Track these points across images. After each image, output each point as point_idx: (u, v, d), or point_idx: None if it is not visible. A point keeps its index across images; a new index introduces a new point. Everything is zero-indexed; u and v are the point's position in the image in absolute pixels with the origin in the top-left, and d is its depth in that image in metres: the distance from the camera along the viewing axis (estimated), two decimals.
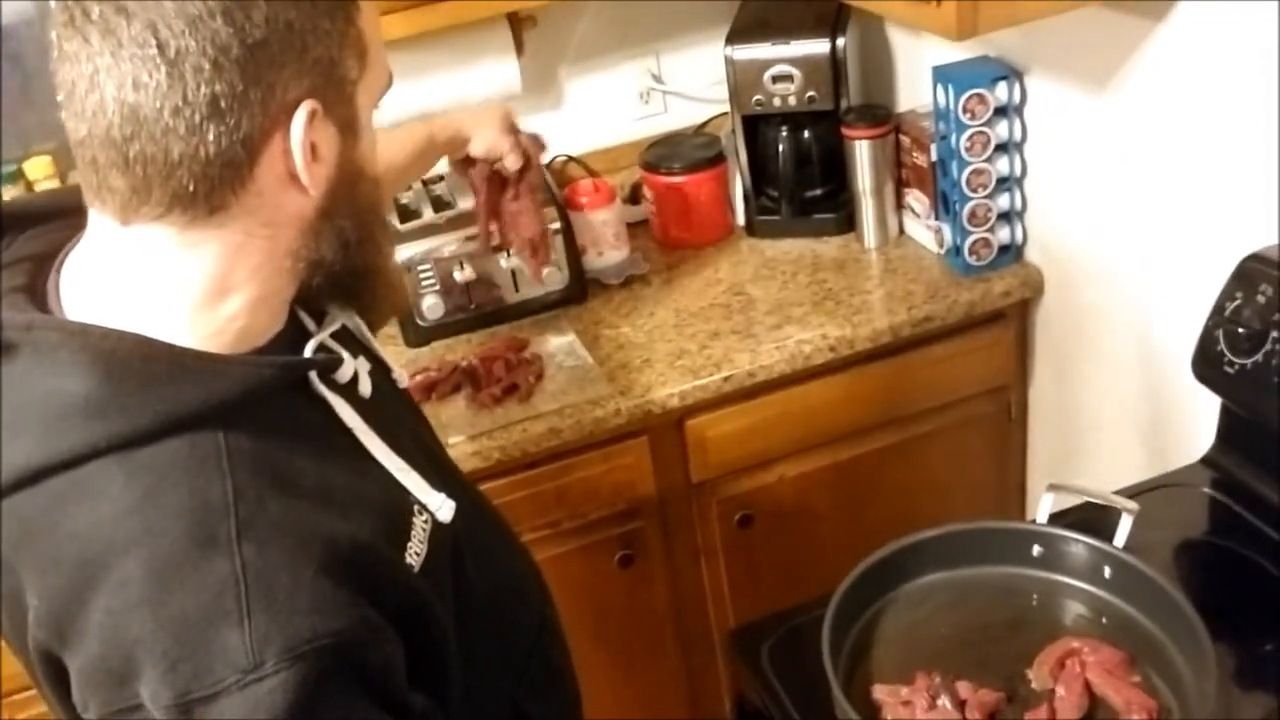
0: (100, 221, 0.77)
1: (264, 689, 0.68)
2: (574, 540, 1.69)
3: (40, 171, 1.85)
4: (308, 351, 0.83)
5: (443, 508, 0.86)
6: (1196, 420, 1.39)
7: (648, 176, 1.96)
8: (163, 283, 0.76)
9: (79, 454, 0.72)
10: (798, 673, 1.14)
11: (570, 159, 2.05)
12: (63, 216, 0.84)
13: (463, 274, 1.77)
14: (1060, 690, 1.03)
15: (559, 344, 1.75)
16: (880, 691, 1.06)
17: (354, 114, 0.79)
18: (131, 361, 0.73)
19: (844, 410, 1.74)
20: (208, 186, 0.73)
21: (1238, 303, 1.17)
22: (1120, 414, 1.67)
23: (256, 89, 0.72)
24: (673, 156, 1.95)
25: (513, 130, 1.47)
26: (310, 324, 0.88)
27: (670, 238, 1.98)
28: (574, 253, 1.84)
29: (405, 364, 1.73)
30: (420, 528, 0.84)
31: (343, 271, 0.83)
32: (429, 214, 1.81)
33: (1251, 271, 1.17)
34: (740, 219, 1.99)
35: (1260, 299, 1.14)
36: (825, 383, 1.71)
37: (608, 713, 1.67)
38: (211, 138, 0.71)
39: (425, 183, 1.86)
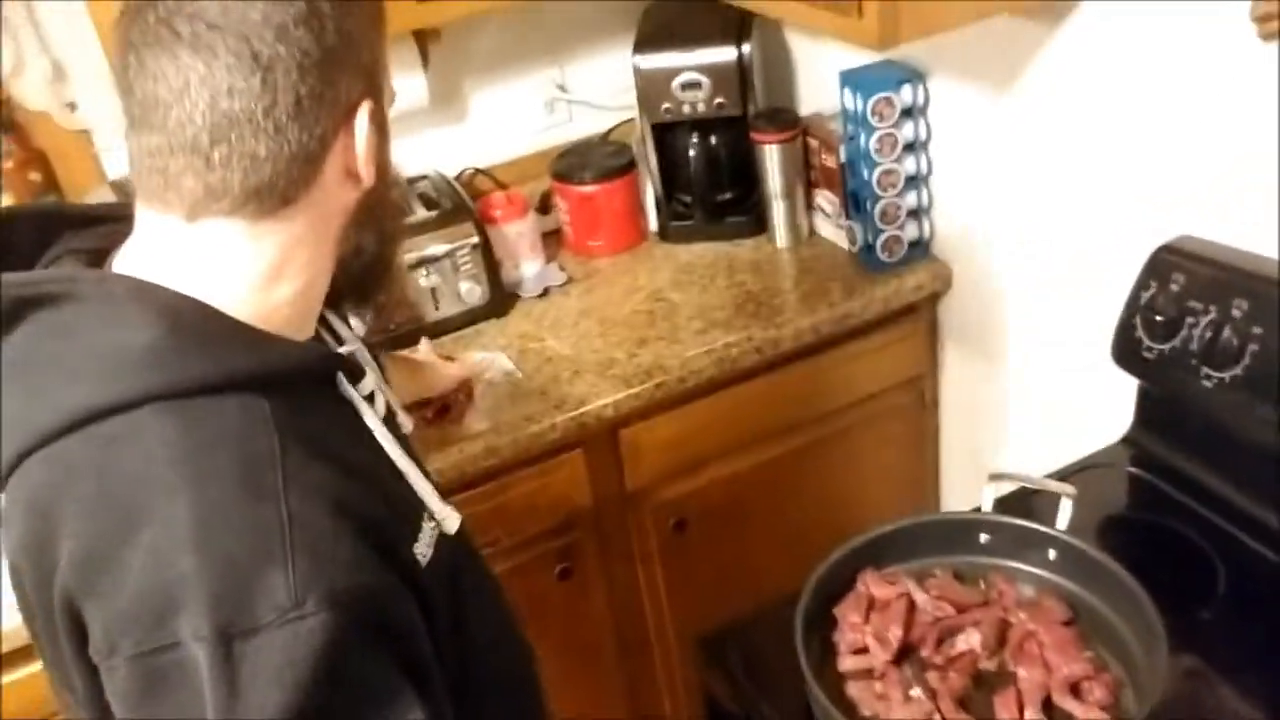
0: (158, 220, 0.82)
1: (304, 628, 0.71)
2: (513, 557, 1.68)
3: None
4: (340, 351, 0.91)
5: (449, 519, 0.91)
6: (1104, 402, 1.48)
7: (559, 186, 1.97)
8: (224, 270, 0.81)
9: (136, 398, 0.75)
10: (769, 673, 1.17)
11: (478, 171, 2.04)
12: (102, 223, 0.89)
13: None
14: (1022, 671, 1.08)
15: (484, 359, 1.74)
16: (854, 689, 1.09)
17: (386, 117, 0.86)
18: (193, 322, 0.79)
19: (769, 410, 1.78)
20: (286, 181, 0.80)
21: (1152, 291, 1.24)
22: (1028, 398, 1.75)
23: (330, 90, 0.79)
24: (584, 166, 1.96)
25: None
26: (333, 343, 0.96)
27: (585, 247, 1.99)
28: (492, 267, 1.83)
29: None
30: (429, 531, 0.88)
31: (376, 259, 0.91)
32: None
33: (1164, 262, 1.24)
34: (653, 225, 2.01)
35: (1174, 287, 1.22)
36: (751, 384, 1.74)
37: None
38: (293, 136, 0.78)
39: None
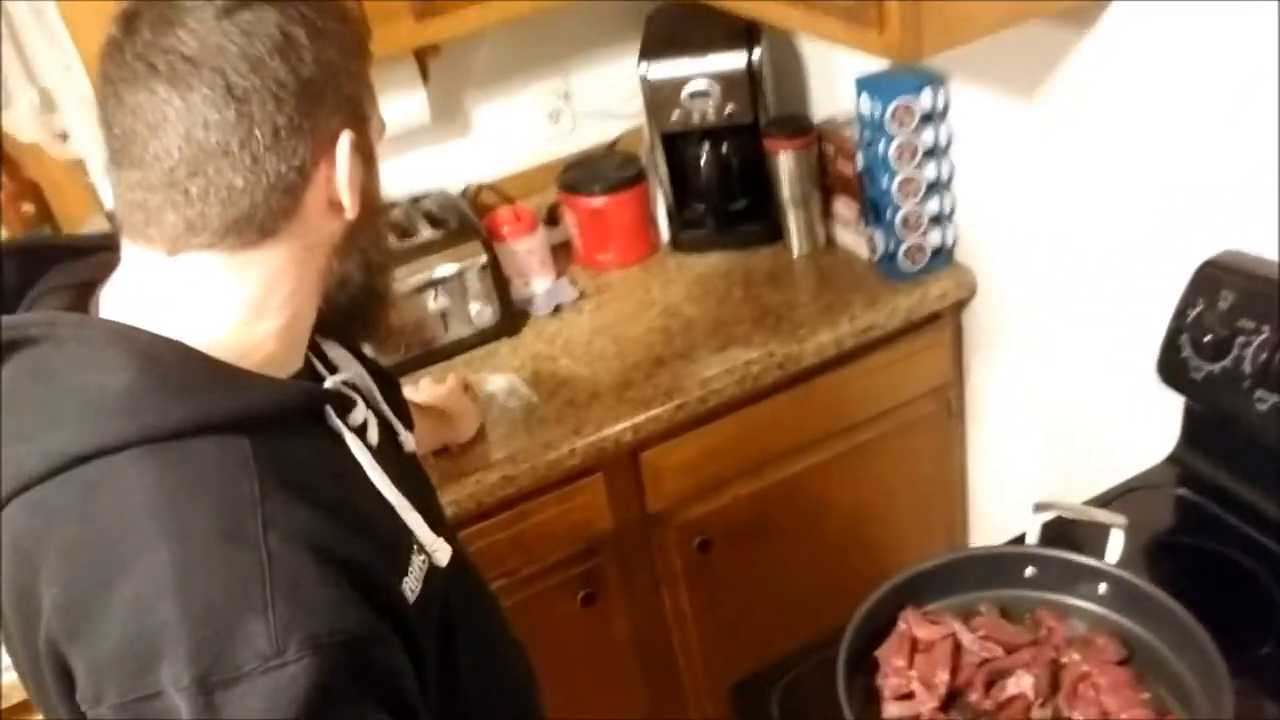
0: (141, 255, 0.82)
1: (285, 675, 0.70)
2: (533, 586, 1.64)
3: None
4: (327, 385, 0.88)
5: (439, 551, 0.90)
6: (1130, 411, 1.43)
7: (568, 199, 1.92)
8: (205, 305, 0.81)
9: (114, 444, 0.75)
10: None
11: (483, 186, 1.99)
12: (92, 254, 0.88)
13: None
14: (1077, 716, 1.03)
15: (498, 384, 1.69)
16: None
17: (371, 147, 0.86)
18: (172, 364, 0.78)
19: (792, 425, 1.73)
20: (265, 212, 0.79)
21: (1199, 309, 1.19)
22: (1055, 407, 1.70)
23: (308, 120, 0.79)
24: (592, 179, 1.90)
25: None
26: (325, 372, 0.93)
27: (595, 260, 1.93)
28: (502, 286, 1.78)
29: None
30: (418, 566, 0.87)
31: (364, 292, 0.89)
32: None
33: (1211, 278, 1.19)
34: (665, 235, 1.96)
35: (1223, 305, 1.17)
36: (773, 400, 1.70)
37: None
38: (271, 167, 0.78)
39: None
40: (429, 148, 1.90)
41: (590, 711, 1.77)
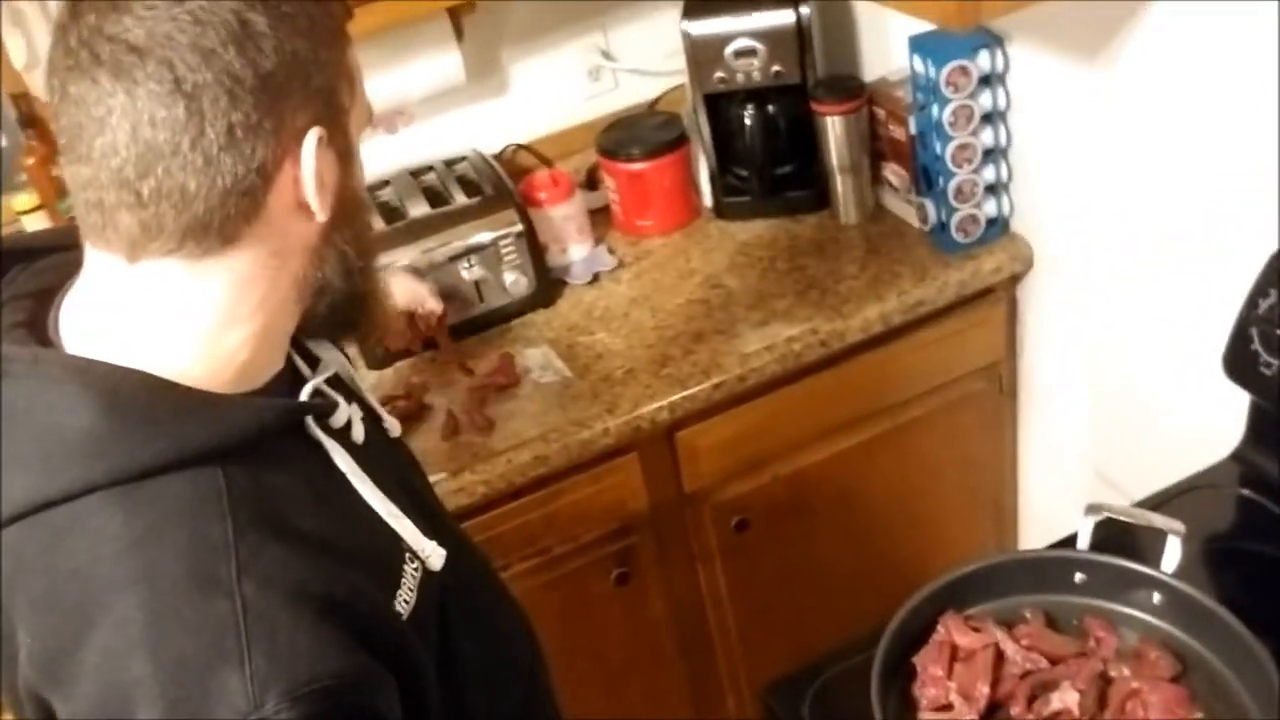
0: (102, 260, 0.76)
1: None
2: (566, 564, 1.61)
3: None
4: (304, 395, 0.83)
5: (432, 555, 0.86)
6: (1194, 395, 1.35)
7: (606, 164, 1.85)
8: (170, 316, 0.76)
9: (78, 489, 0.72)
10: None
11: (520, 147, 1.93)
12: (63, 251, 0.83)
13: None
14: None
15: (533, 357, 1.65)
16: None
17: (349, 142, 0.80)
18: (135, 398, 0.74)
19: (835, 403, 1.67)
20: (223, 217, 0.73)
21: (1271, 300, 1.11)
22: (1113, 388, 1.62)
23: (269, 118, 0.72)
24: (631, 141, 1.83)
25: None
26: (305, 369, 0.88)
27: (635, 226, 1.87)
28: (537, 254, 1.73)
29: (368, 388, 1.62)
30: (410, 575, 0.84)
31: (345, 297, 0.83)
32: (379, 226, 1.68)
33: None
34: (708, 201, 1.89)
35: None
36: (816, 378, 1.63)
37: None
38: (228, 167, 0.72)
39: (371, 189, 1.74)
40: (464, 108, 1.85)
41: (626, 688, 1.75)
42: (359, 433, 0.88)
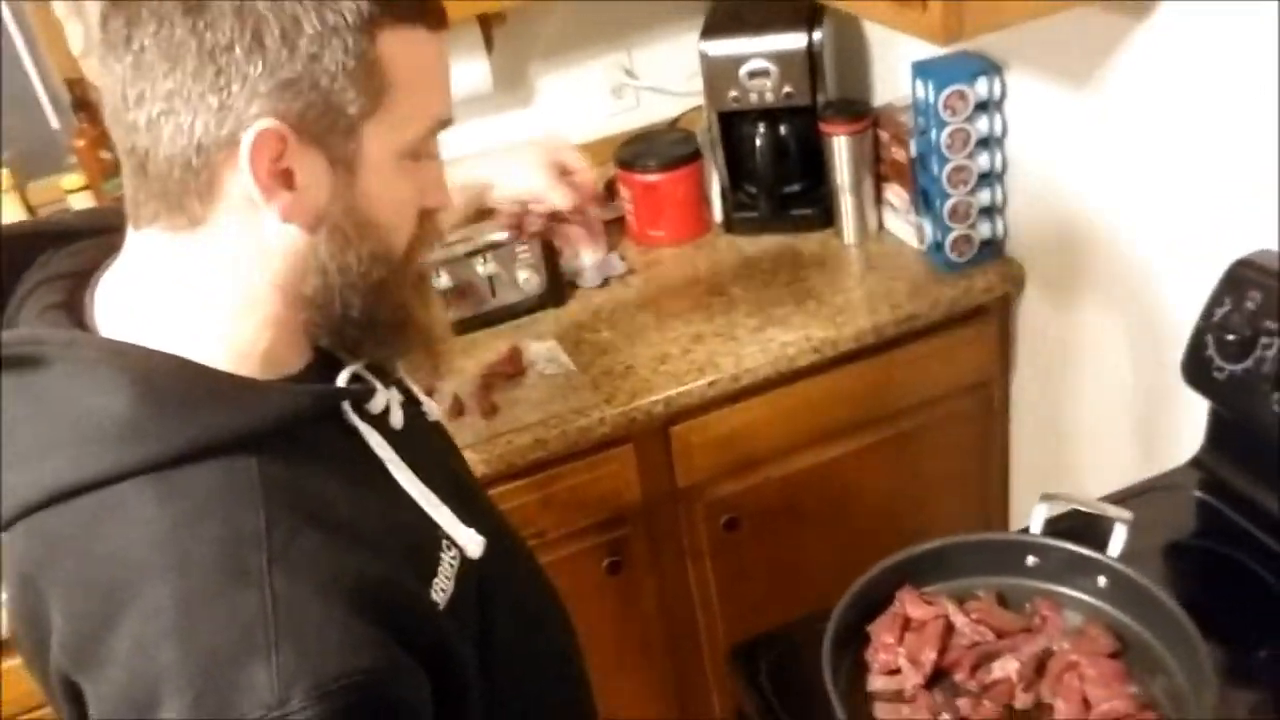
0: (129, 234, 0.78)
1: None
2: (561, 549, 1.67)
3: None
4: (341, 381, 0.81)
5: (471, 543, 0.84)
6: (1182, 417, 1.40)
7: (623, 175, 1.94)
8: (179, 293, 0.76)
9: (113, 474, 0.71)
10: (798, 689, 1.13)
11: None
12: (99, 234, 0.84)
13: (440, 281, 1.74)
14: (1059, 704, 1.03)
15: (539, 350, 1.73)
16: (882, 710, 1.05)
17: (352, 150, 0.74)
18: (169, 383, 0.73)
19: (828, 410, 1.73)
20: (175, 189, 0.73)
21: (1226, 308, 1.16)
22: (1102, 409, 1.67)
23: (212, 95, 0.70)
24: (648, 154, 1.93)
25: (557, 168, 1.24)
26: (345, 356, 0.85)
27: (647, 236, 1.96)
28: (550, 256, 1.81)
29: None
30: (448, 564, 0.82)
31: (364, 320, 0.80)
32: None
33: (1240, 277, 1.17)
34: (718, 216, 1.97)
35: (1249, 305, 1.14)
36: (809, 383, 1.70)
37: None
38: (166, 135, 0.72)
39: None
40: (490, 116, 1.94)
41: (613, 676, 1.80)
42: (398, 418, 0.86)
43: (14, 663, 1.42)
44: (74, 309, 0.78)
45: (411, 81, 0.75)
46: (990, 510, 1.93)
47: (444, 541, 0.83)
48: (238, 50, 0.70)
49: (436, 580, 0.80)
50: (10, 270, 0.82)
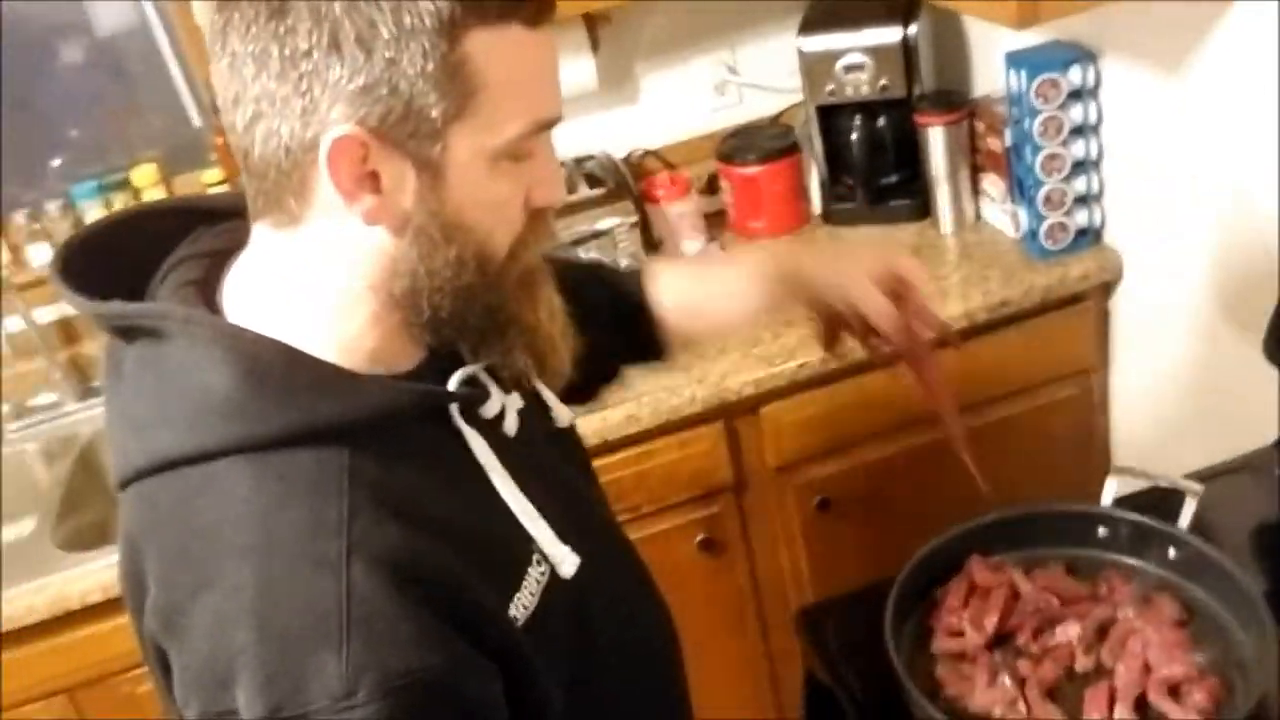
0: (253, 224, 0.80)
1: (354, 718, 0.67)
2: (654, 524, 1.73)
3: (146, 179, 1.96)
4: (453, 383, 0.81)
5: (565, 562, 0.83)
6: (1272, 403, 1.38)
7: (724, 168, 2.00)
8: (286, 287, 0.78)
9: (214, 450, 0.73)
10: (865, 651, 1.17)
11: (647, 152, 2.10)
12: (228, 218, 0.86)
13: None
14: (1120, 668, 1.04)
15: None
16: (944, 669, 1.08)
17: (439, 153, 0.73)
18: (272, 367, 0.74)
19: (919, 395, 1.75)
20: (272, 189, 0.75)
21: None
22: (1202, 397, 1.65)
23: (297, 98, 0.71)
24: (748, 148, 1.98)
25: (892, 281, 1.16)
26: (466, 354, 0.84)
27: (747, 228, 2.01)
28: (650, 244, 1.89)
29: None
30: (535, 579, 0.81)
31: (456, 323, 0.79)
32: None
33: None
34: (817, 207, 2.01)
35: None
36: (902, 369, 1.72)
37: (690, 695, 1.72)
38: (259, 136, 0.73)
39: None
40: (596, 113, 2.02)
41: (706, 652, 1.85)
42: (512, 424, 0.85)
43: (30, 649, 1.60)
44: (208, 287, 0.81)
45: (505, 82, 0.73)
46: (1090, 500, 1.91)
47: (535, 555, 0.82)
48: (316, 55, 0.70)
49: (519, 595, 0.79)
50: (158, 242, 0.84)
